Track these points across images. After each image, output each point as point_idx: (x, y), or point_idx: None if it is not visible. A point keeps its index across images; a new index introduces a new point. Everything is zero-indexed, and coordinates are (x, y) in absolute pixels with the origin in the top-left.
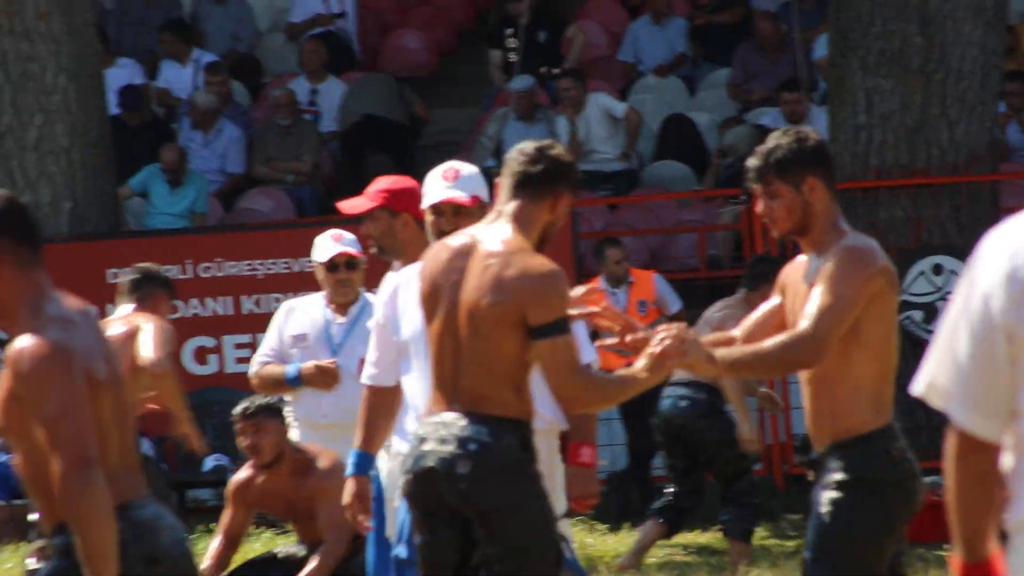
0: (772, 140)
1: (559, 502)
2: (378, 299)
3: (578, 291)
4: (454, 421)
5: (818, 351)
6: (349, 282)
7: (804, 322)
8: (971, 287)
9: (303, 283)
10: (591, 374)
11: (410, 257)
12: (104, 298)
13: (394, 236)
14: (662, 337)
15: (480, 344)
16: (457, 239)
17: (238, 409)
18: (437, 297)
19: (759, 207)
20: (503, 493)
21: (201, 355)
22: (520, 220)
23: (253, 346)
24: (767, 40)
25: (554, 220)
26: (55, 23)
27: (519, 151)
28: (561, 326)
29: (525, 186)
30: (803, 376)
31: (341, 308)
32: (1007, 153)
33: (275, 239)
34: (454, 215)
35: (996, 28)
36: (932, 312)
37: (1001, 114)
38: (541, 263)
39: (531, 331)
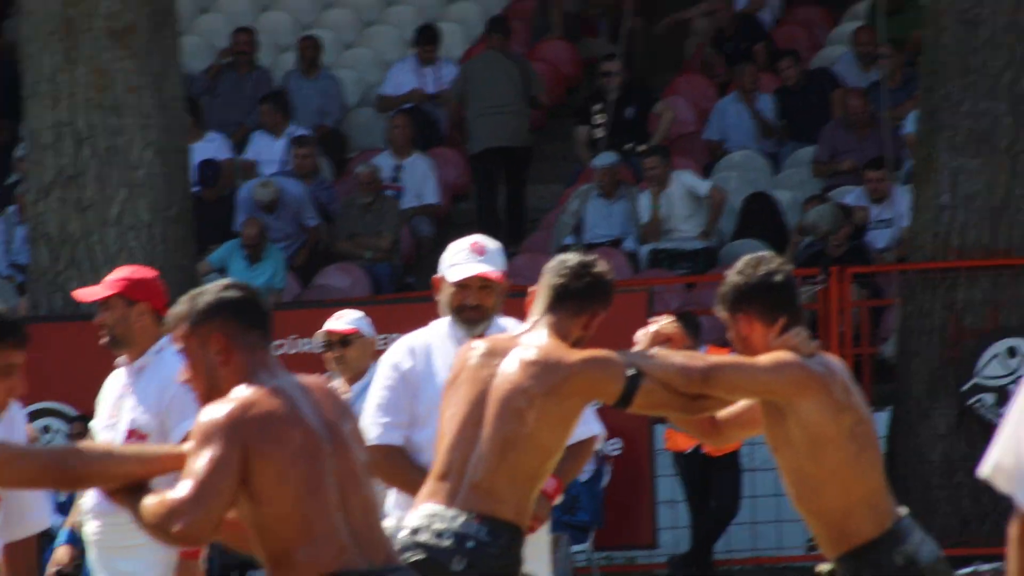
0: (732, 270)
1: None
2: (391, 363)
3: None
4: (454, 517)
5: (704, 378)
6: (344, 359)
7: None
8: None
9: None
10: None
11: (141, 349)
12: None
13: (129, 325)
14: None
15: (510, 437)
16: (493, 339)
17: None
18: (463, 387)
19: (729, 333)
20: None
21: None
22: (557, 331)
23: None
24: (855, 117)
25: (584, 337)
26: (144, 97)
27: (562, 263)
28: (636, 377)
29: (564, 300)
30: (796, 508)
31: (349, 384)
32: None
33: None
34: (479, 289)
35: None
36: (1004, 396)
37: None
38: (591, 351)
39: (619, 401)
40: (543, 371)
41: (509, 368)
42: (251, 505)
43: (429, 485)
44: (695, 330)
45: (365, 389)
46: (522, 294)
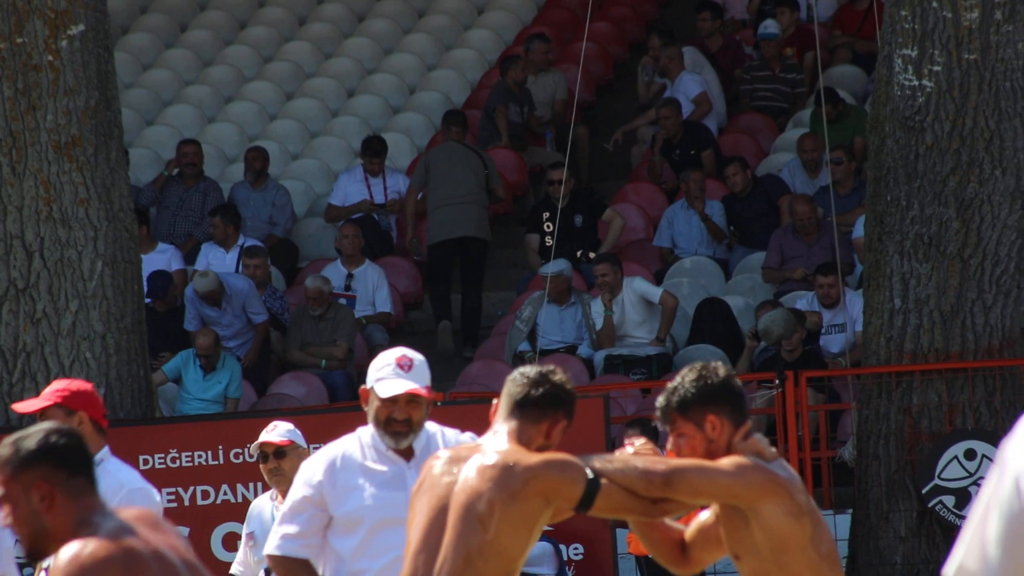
0: (676, 379)
1: None
2: (304, 477)
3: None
4: None
5: (666, 482)
6: (279, 470)
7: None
8: (1003, 469)
9: None
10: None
11: None
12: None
13: None
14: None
15: (472, 543)
16: (456, 448)
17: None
18: (426, 494)
19: (669, 444)
20: None
21: (231, 541)
22: (518, 438)
23: None
24: (803, 223)
25: (548, 445)
26: (93, 209)
27: (522, 374)
28: (596, 480)
29: (525, 408)
30: None
31: (283, 496)
32: None
33: (307, 424)
34: (407, 404)
35: None
36: (964, 497)
37: None
38: (550, 454)
39: (579, 504)
40: (502, 475)
41: (469, 474)
42: None
43: None
44: (653, 435)
45: None
46: (481, 400)
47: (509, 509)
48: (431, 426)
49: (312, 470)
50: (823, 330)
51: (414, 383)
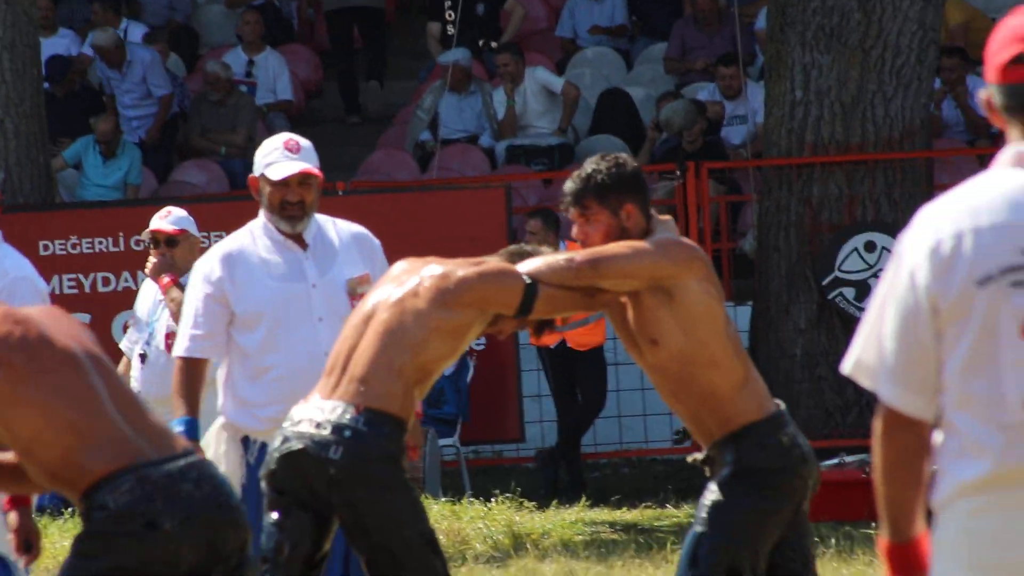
0: (589, 165)
1: None
2: (202, 274)
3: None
4: (334, 408)
5: (594, 269)
6: (170, 259)
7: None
8: (899, 263)
9: None
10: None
11: None
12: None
13: None
14: None
15: (398, 338)
16: (418, 259)
17: None
18: (373, 290)
19: (574, 231)
20: (372, 484)
21: None
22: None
23: None
24: (705, 14)
25: None
26: None
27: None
28: (534, 286)
29: (511, 252)
30: (670, 402)
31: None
32: (941, 130)
33: (208, 212)
34: (299, 185)
35: (934, 4)
36: (864, 289)
37: (936, 90)
38: (488, 264)
39: (518, 312)
40: (438, 283)
41: (411, 278)
42: (9, 434)
43: (320, 380)
44: (555, 226)
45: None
46: (382, 190)
47: (440, 315)
48: (321, 217)
49: (210, 266)
50: (724, 121)
51: (305, 163)
